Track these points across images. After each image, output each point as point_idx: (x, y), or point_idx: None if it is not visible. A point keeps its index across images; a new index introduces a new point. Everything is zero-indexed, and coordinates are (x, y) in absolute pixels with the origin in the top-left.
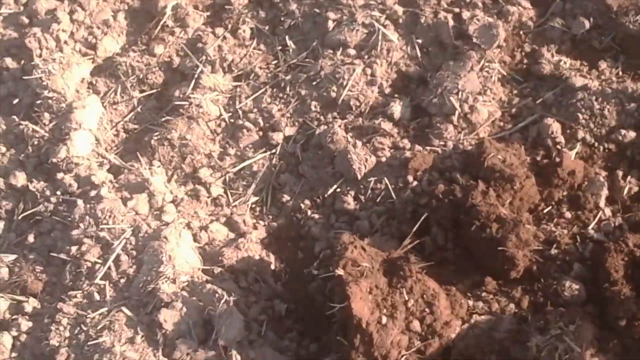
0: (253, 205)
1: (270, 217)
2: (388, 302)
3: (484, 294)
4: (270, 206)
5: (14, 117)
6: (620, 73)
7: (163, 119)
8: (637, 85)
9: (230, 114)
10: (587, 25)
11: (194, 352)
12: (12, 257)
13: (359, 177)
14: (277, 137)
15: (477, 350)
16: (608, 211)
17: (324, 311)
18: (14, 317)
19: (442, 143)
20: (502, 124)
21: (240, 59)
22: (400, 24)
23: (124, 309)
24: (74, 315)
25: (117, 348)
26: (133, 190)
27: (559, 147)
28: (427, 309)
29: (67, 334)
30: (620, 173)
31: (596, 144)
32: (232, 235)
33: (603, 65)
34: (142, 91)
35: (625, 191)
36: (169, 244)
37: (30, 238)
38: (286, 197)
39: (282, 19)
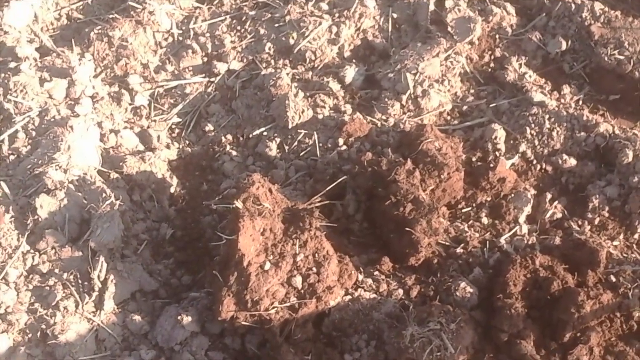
0: (173, 126)
1: (187, 141)
2: (278, 249)
3: (376, 272)
4: (191, 131)
5: None
6: (581, 102)
7: (110, 16)
8: (593, 117)
9: (181, 31)
10: (564, 46)
11: (60, 248)
12: None
13: (290, 126)
14: (221, 67)
15: (351, 324)
16: (525, 228)
17: (210, 247)
18: None
19: (384, 118)
20: (449, 117)
21: None
22: None
23: (2, 184)
24: None
25: None
26: (55, 74)
27: (497, 153)
28: (314, 268)
29: None
30: (549, 196)
31: (534, 162)
32: (141, 147)
33: (566, 89)
34: None
35: (548, 215)
36: (72, 134)
37: None
38: (210, 127)
39: None
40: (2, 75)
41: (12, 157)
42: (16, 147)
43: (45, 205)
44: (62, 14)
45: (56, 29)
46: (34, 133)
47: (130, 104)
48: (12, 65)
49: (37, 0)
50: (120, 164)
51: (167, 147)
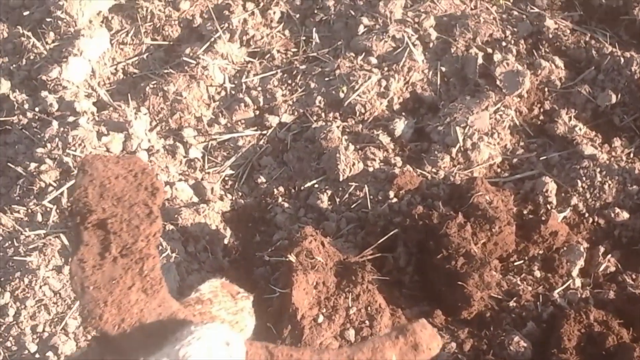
0: (226, 178)
1: (240, 193)
2: (331, 302)
3: None
4: (243, 183)
5: (19, 27)
6: (632, 155)
7: (165, 71)
8: None
9: (233, 85)
10: (614, 99)
11: None
12: None
13: (341, 178)
14: (273, 120)
15: None
16: (578, 282)
17: (263, 298)
18: None
19: (434, 170)
20: (499, 170)
21: (261, 37)
22: (430, 48)
23: (62, 236)
24: (10, 229)
25: (41, 272)
26: (112, 127)
27: (548, 206)
28: (367, 321)
29: None
30: (602, 249)
31: (586, 215)
32: (195, 199)
33: (617, 142)
34: (154, 40)
35: (602, 268)
36: None
37: None
38: (262, 179)
39: (315, 11)
40: (62, 129)
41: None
42: None
43: None
44: (119, 69)
45: (112, 83)
46: None
47: (184, 157)
48: (71, 119)
49: (94, 56)
50: (176, 216)
51: (221, 199)
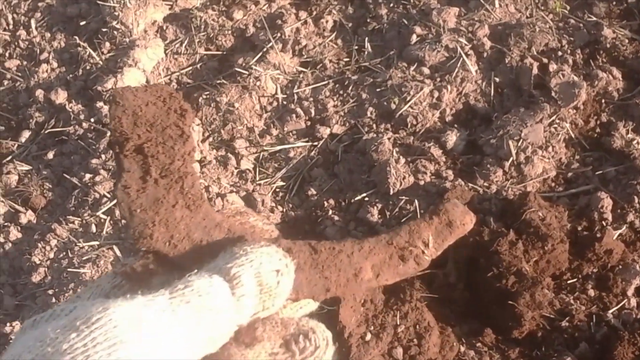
0: (277, 189)
1: (291, 205)
2: (378, 320)
3: (478, 344)
4: (294, 195)
5: (76, 37)
6: None
7: (218, 82)
8: None
9: (285, 95)
10: None
11: None
12: (26, 167)
13: (392, 192)
14: (324, 131)
15: None
16: (634, 301)
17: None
18: (6, 224)
19: (486, 184)
20: (553, 184)
21: (313, 46)
22: (484, 58)
23: (115, 248)
24: (64, 240)
25: None
26: None
27: (604, 223)
28: (415, 340)
29: (52, 255)
30: None
31: None
32: None
33: None
34: (207, 50)
35: None
36: None
37: (50, 155)
38: (312, 191)
39: (368, 20)
40: None
41: (123, 222)
42: None
43: None
44: (173, 79)
45: None
46: None
47: (236, 168)
48: None
49: (149, 66)
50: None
51: (272, 210)
